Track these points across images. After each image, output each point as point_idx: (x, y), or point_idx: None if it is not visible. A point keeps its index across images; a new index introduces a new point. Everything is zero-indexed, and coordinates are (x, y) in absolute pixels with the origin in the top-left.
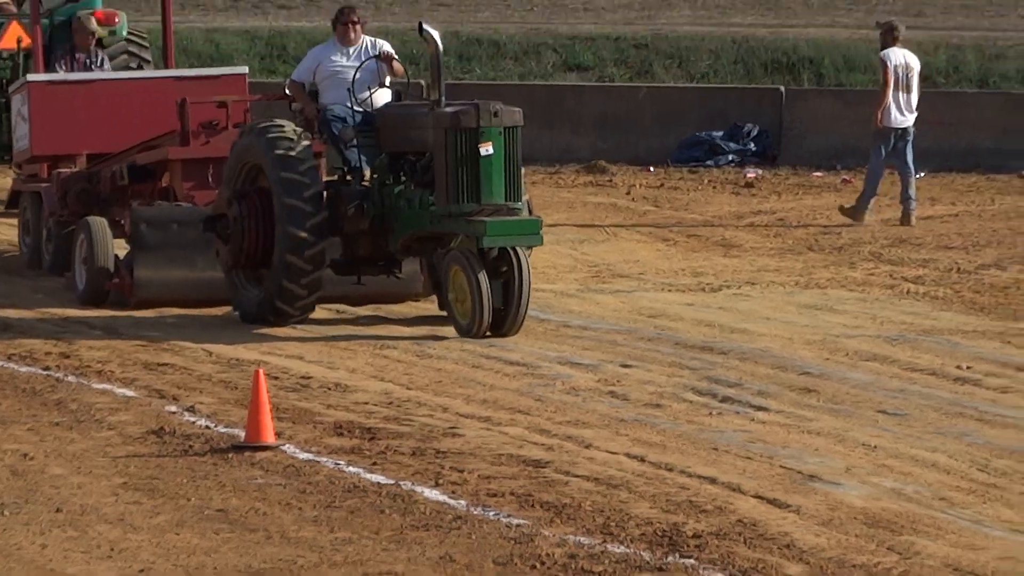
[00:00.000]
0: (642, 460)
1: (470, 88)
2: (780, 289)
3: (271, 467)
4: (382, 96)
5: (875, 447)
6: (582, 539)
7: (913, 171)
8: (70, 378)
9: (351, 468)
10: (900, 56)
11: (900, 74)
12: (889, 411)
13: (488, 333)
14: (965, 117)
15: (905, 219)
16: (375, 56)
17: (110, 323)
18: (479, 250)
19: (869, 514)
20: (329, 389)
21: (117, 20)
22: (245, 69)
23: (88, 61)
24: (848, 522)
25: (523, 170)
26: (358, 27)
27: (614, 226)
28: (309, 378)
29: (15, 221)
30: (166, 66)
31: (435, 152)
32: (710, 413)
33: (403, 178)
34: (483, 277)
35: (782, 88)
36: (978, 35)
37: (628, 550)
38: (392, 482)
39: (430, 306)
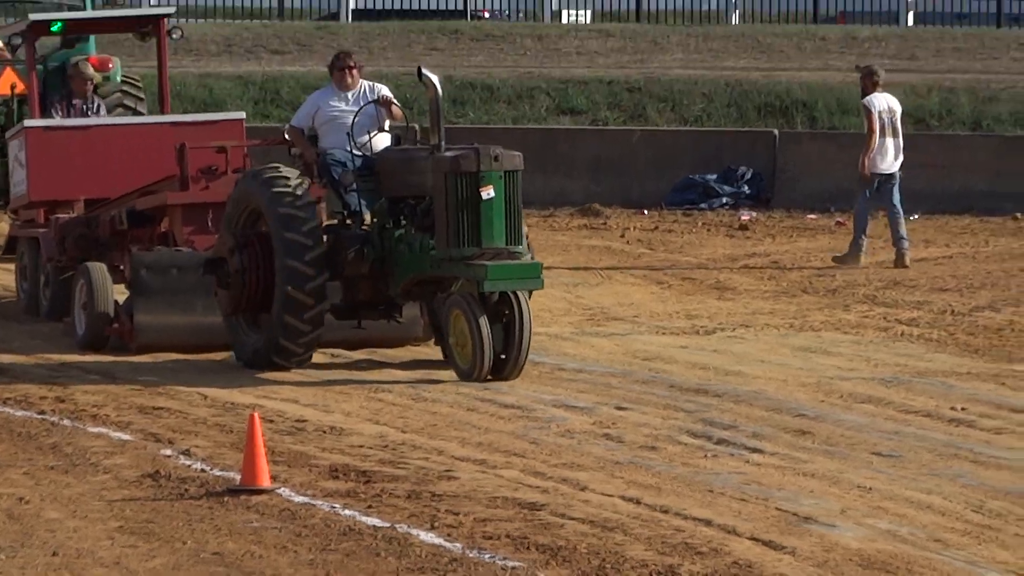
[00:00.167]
0: (637, 502)
1: (464, 132)
2: (774, 332)
3: (267, 510)
4: (381, 140)
5: (870, 489)
6: None
7: (901, 211)
8: (65, 422)
9: (347, 511)
10: (883, 101)
11: (885, 120)
12: (884, 453)
13: (489, 377)
14: (958, 159)
15: (899, 260)
16: (374, 100)
17: (106, 368)
18: (480, 294)
19: (864, 556)
20: (324, 432)
21: (111, 66)
22: (242, 114)
23: (85, 107)
24: (843, 564)
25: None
26: (355, 72)
27: (608, 269)
28: (304, 421)
29: (12, 267)
30: (162, 111)
31: (435, 196)
32: (705, 455)
33: (403, 222)
34: (484, 321)
35: (775, 131)
36: (971, 77)
37: None
38: (388, 525)
39: (425, 350)
